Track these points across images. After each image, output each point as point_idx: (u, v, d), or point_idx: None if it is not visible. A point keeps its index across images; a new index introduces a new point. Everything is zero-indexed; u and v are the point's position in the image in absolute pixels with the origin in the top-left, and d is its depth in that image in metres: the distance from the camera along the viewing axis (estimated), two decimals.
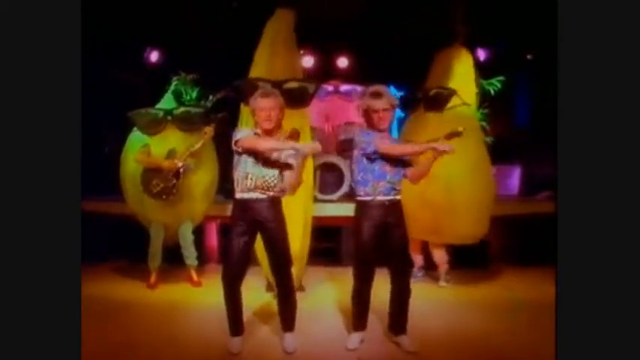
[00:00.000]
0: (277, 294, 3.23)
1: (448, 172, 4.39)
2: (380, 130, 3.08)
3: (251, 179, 2.99)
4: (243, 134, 3.02)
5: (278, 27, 4.49)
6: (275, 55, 4.39)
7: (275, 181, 3.02)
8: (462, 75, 4.87)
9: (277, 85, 4.24)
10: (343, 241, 5.57)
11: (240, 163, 3.02)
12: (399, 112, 5.68)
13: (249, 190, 3.01)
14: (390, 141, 3.15)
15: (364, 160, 3.08)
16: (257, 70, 4.35)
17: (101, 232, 5.34)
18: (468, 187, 4.45)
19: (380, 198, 3.07)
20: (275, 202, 3.07)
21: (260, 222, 3.04)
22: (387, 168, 3.07)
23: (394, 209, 3.10)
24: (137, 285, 4.72)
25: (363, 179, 3.09)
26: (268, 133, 3.03)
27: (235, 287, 3.08)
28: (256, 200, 3.02)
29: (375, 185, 3.07)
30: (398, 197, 3.12)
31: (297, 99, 4.22)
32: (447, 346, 3.24)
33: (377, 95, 3.05)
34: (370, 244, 3.08)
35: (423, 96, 4.77)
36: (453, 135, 4.38)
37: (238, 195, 3.06)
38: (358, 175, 3.12)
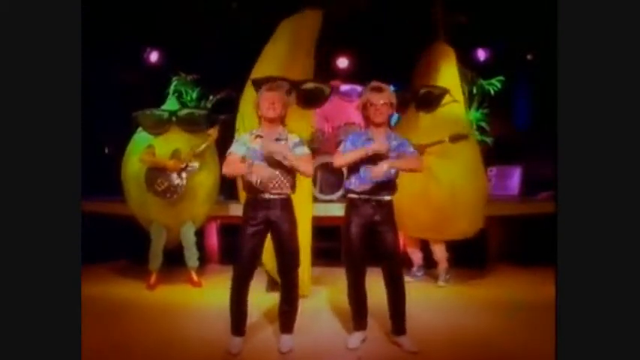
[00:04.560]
0: (281, 295, 3.21)
1: (450, 169, 4.42)
2: (376, 124, 3.12)
3: (260, 182, 3.00)
4: (236, 147, 3.07)
5: (303, 26, 4.46)
6: (295, 55, 4.35)
7: (283, 181, 3.02)
8: (446, 72, 4.89)
9: (295, 85, 4.23)
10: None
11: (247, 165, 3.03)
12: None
13: (260, 191, 3.01)
14: (344, 148, 3.16)
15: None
16: (271, 68, 4.26)
17: (101, 232, 5.33)
18: (468, 184, 4.50)
19: (365, 197, 3.09)
20: (287, 202, 3.09)
21: (273, 222, 3.04)
22: (370, 168, 3.06)
23: (382, 209, 3.11)
24: (137, 285, 4.71)
25: (349, 178, 3.16)
26: (271, 122, 3.07)
27: (244, 287, 3.10)
28: (269, 200, 3.03)
29: (361, 185, 3.09)
30: (387, 197, 3.13)
31: (312, 100, 4.24)
32: (447, 346, 3.24)
33: (377, 89, 3.11)
34: (356, 243, 3.11)
35: (413, 96, 4.78)
36: (458, 138, 4.41)
37: (250, 195, 3.07)
38: (347, 173, 3.20)
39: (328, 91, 4.42)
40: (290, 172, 3.06)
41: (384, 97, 3.09)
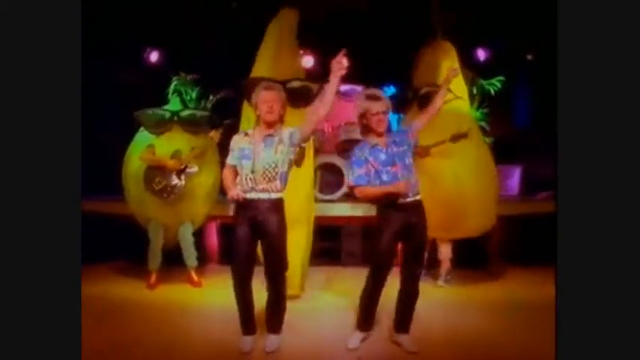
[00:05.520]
0: (268, 297, 3.20)
1: (455, 167, 4.42)
2: (378, 134, 3.06)
3: (250, 179, 3.00)
4: (229, 157, 3.11)
5: (281, 26, 4.49)
6: (278, 55, 4.38)
7: (270, 175, 3.00)
8: (446, 69, 4.86)
9: (281, 84, 4.24)
10: (343, 241, 5.57)
11: (237, 164, 3.05)
12: (393, 114, 5.69)
13: (250, 189, 3.01)
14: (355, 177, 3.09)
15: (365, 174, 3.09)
16: (260, 69, 4.34)
17: (101, 232, 5.33)
18: (475, 181, 4.48)
19: (401, 200, 3.02)
20: (277, 204, 3.06)
21: (261, 222, 3.02)
22: (396, 169, 3.02)
23: (415, 210, 3.07)
24: (137, 285, 4.72)
25: (377, 183, 3.05)
26: (270, 125, 3.04)
27: (245, 286, 3.09)
28: (258, 200, 3.01)
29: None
30: (418, 197, 3.09)
31: (300, 99, 4.23)
32: (447, 346, 3.24)
33: (374, 98, 3.04)
34: (389, 248, 3.06)
35: (414, 95, 4.78)
36: (458, 137, 4.40)
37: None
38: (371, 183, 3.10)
39: (316, 89, 4.43)
40: (277, 177, 3.03)
41: (382, 105, 3.02)
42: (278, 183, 3.03)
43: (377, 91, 3.12)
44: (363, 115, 3.07)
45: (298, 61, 4.65)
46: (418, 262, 3.17)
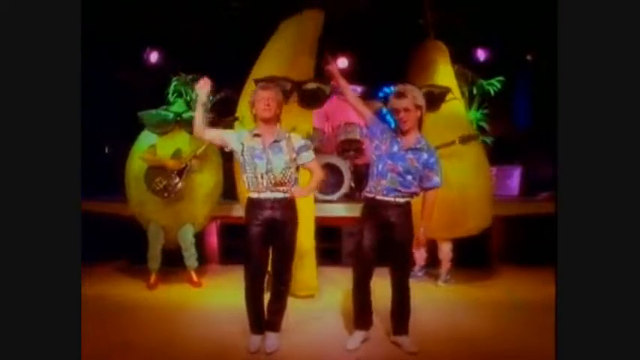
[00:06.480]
0: (272, 293, 3.21)
1: (460, 171, 4.41)
2: (402, 132, 3.07)
3: (264, 178, 2.99)
4: (229, 132, 3.19)
5: (305, 27, 4.46)
6: (297, 55, 4.36)
7: (288, 177, 3.01)
8: (441, 70, 4.86)
9: (297, 85, 4.22)
10: (343, 241, 5.56)
11: (247, 163, 3.02)
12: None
13: (265, 189, 3.01)
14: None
15: (372, 155, 3.15)
16: (273, 66, 4.27)
17: (101, 232, 5.33)
18: (477, 183, 4.52)
19: (380, 197, 3.07)
20: (292, 203, 3.07)
21: (276, 222, 3.02)
22: (391, 167, 3.04)
23: (396, 210, 3.07)
24: (137, 285, 4.72)
25: (370, 174, 3.14)
26: (267, 122, 3.05)
27: (257, 286, 3.11)
28: (273, 200, 3.01)
29: (376, 183, 3.07)
30: (402, 200, 3.08)
31: (313, 100, 4.24)
32: (447, 346, 3.24)
33: (399, 95, 3.03)
34: (367, 241, 3.09)
35: None
36: (468, 139, 4.39)
37: (254, 195, 3.05)
38: (370, 169, 3.19)
39: (329, 91, 4.42)
40: (292, 180, 3.05)
41: (406, 102, 2.99)
42: (292, 185, 3.06)
43: (405, 87, 3.08)
44: (392, 112, 3.10)
45: (313, 63, 4.61)
46: (403, 262, 3.18)
